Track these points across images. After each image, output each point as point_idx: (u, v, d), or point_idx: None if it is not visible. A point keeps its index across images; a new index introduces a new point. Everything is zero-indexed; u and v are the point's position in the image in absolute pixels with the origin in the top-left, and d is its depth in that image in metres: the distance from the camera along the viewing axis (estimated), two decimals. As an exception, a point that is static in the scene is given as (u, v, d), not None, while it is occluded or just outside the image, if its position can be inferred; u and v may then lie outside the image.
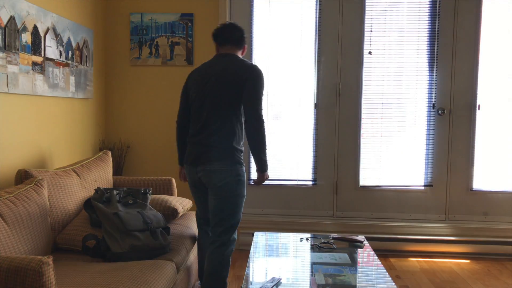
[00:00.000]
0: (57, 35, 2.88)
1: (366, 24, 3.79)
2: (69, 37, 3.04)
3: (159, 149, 3.81)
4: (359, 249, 2.53)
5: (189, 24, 3.72)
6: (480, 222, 3.82)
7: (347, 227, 3.80)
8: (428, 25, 3.78)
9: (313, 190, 3.91)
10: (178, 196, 3.30)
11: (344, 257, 2.38)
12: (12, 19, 2.40)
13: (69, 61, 3.06)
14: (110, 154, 3.12)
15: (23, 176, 2.30)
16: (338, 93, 3.83)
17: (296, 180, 3.93)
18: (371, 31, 3.80)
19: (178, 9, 3.73)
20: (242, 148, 2.43)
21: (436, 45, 3.77)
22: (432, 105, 3.82)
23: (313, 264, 2.29)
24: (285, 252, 2.51)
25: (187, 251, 2.59)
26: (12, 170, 2.46)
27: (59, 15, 2.91)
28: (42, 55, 2.71)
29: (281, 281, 2.01)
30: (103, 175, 2.92)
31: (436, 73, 3.80)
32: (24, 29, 2.52)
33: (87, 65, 3.35)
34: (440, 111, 3.80)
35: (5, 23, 2.35)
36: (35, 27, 2.62)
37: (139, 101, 3.81)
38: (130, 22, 3.75)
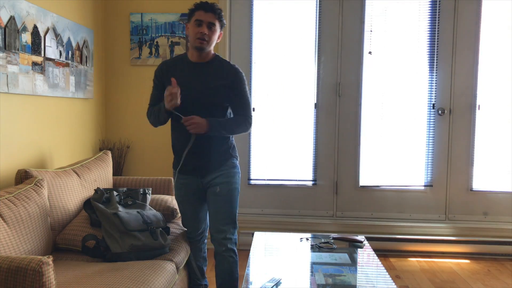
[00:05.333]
0: (57, 35, 2.88)
1: (366, 24, 3.79)
2: (69, 37, 3.04)
3: (159, 149, 3.81)
4: (359, 249, 2.53)
5: (189, 24, 3.72)
6: (480, 222, 3.81)
7: (347, 227, 3.80)
8: (428, 25, 3.77)
9: (313, 190, 3.91)
10: (178, 196, 3.31)
11: (344, 257, 2.38)
12: (12, 19, 2.40)
13: (69, 61, 3.06)
14: (110, 154, 3.12)
15: (23, 176, 2.30)
16: (338, 93, 3.83)
17: (296, 180, 3.93)
18: (371, 31, 3.80)
19: (178, 9, 3.72)
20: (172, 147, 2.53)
21: (436, 45, 3.77)
22: (432, 105, 3.82)
23: (313, 264, 2.28)
24: (285, 252, 2.51)
25: (187, 251, 2.59)
26: (12, 170, 2.46)
27: (59, 15, 2.91)
28: (42, 55, 2.71)
29: (281, 281, 2.01)
30: (103, 175, 2.92)
31: (436, 73, 3.80)
32: (24, 29, 2.52)
33: (87, 65, 3.34)
34: (440, 111, 3.80)
35: (5, 23, 2.35)
36: (35, 27, 2.62)
37: (139, 101, 3.80)
38: (130, 22, 3.75)
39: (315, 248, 2.52)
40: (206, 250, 2.74)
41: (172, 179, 3.16)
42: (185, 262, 2.56)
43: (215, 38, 2.34)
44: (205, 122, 2.27)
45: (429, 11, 3.77)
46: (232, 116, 2.45)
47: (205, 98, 2.35)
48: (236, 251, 2.48)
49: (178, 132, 2.41)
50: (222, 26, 2.36)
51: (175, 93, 2.21)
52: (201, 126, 2.26)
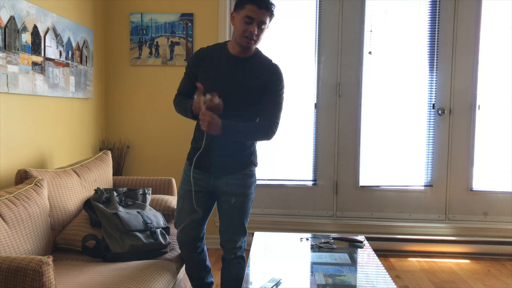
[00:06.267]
0: (57, 35, 2.88)
1: (366, 24, 3.79)
2: (69, 37, 3.04)
3: (159, 149, 3.81)
4: (359, 249, 2.53)
5: (189, 24, 3.72)
6: (480, 222, 3.81)
7: (347, 227, 3.80)
8: (428, 25, 3.77)
9: (313, 190, 3.91)
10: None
11: (344, 257, 2.38)
12: (12, 19, 2.40)
13: (69, 61, 3.06)
14: (110, 154, 3.12)
15: (23, 176, 2.30)
16: (338, 93, 3.83)
17: (296, 180, 3.93)
18: (371, 31, 3.80)
19: (178, 9, 3.72)
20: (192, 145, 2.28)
21: (436, 45, 3.77)
22: (432, 105, 3.82)
23: (313, 264, 2.28)
24: (285, 252, 2.51)
25: (187, 251, 2.59)
26: (12, 170, 2.46)
27: (59, 15, 2.91)
28: (42, 55, 2.71)
29: (281, 281, 2.01)
30: (103, 175, 2.92)
31: (436, 73, 3.80)
32: (24, 29, 2.52)
33: (87, 65, 3.34)
34: (440, 111, 3.80)
35: (5, 23, 2.35)
36: (35, 27, 2.62)
37: (139, 101, 3.80)
38: (130, 22, 3.75)
39: (315, 248, 2.52)
40: (206, 258, 2.46)
41: (173, 179, 3.16)
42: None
43: (263, 37, 2.12)
44: (220, 123, 2.02)
45: (429, 11, 3.77)
46: (258, 119, 2.20)
47: (239, 97, 2.12)
48: (245, 256, 2.37)
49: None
50: (271, 20, 2.12)
51: (209, 119, 2.00)
52: (214, 126, 2.02)
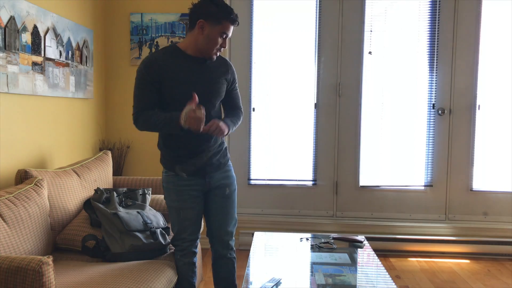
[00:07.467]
0: (57, 35, 2.88)
1: (366, 24, 3.79)
2: (69, 37, 3.04)
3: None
4: (359, 249, 2.53)
5: (189, 24, 3.72)
6: (480, 222, 3.81)
7: (347, 227, 3.80)
8: (428, 25, 3.78)
9: (313, 190, 3.91)
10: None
11: (344, 257, 2.38)
12: (12, 19, 2.40)
13: (69, 61, 3.05)
14: (110, 154, 3.12)
15: (23, 176, 2.30)
16: (338, 93, 3.83)
17: (296, 180, 3.93)
18: (371, 31, 3.80)
19: (178, 9, 3.72)
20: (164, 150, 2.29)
21: (436, 45, 3.77)
22: (432, 105, 3.82)
23: (313, 264, 2.28)
24: (285, 252, 2.51)
25: (187, 251, 2.59)
26: (12, 170, 2.46)
27: (59, 15, 2.91)
28: (42, 55, 2.71)
29: (281, 281, 2.01)
30: (103, 175, 2.92)
31: (436, 73, 3.80)
32: (24, 29, 2.52)
33: (87, 65, 3.34)
34: (440, 111, 3.80)
35: (5, 23, 2.35)
36: (35, 27, 2.62)
37: (139, 101, 3.80)
38: (130, 22, 3.75)
39: (315, 248, 2.52)
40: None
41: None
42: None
43: None
44: (223, 123, 2.09)
45: (429, 11, 3.77)
46: (226, 110, 2.34)
47: (211, 94, 2.16)
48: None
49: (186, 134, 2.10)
50: None
51: (200, 117, 1.95)
52: (223, 128, 2.08)
